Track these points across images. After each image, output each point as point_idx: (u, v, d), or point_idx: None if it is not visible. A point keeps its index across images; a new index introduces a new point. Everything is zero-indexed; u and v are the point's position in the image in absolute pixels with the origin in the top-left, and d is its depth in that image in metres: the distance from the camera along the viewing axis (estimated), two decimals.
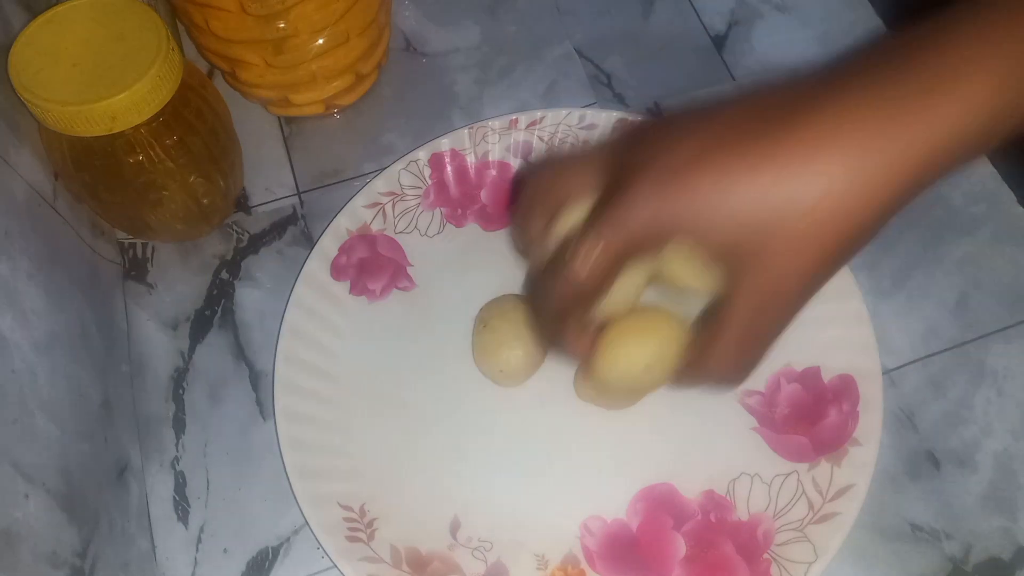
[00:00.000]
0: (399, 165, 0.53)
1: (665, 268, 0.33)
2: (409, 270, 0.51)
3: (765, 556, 0.42)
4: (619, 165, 0.31)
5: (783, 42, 0.60)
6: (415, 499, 0.45)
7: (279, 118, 0.58)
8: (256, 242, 0.53)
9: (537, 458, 0.46)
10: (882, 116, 0.27)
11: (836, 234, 0.28)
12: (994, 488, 0.45)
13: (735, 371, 0.32)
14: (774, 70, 0.32)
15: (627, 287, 0.34)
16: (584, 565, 0.43)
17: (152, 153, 0.44)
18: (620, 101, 0.58)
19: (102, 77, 0.41)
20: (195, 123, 0.46)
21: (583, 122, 0.54)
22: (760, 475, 0.45)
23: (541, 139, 0.54)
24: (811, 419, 0.45)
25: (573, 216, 0.34)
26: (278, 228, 0.54)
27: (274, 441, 0.45)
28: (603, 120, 0.53)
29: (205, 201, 0.49)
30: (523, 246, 0.36)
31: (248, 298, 0.52)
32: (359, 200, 0.52)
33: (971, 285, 0.51)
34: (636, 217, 0.29)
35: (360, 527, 0.43)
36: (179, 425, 0.48)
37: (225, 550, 0.45)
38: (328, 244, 0.50)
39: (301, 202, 0.55)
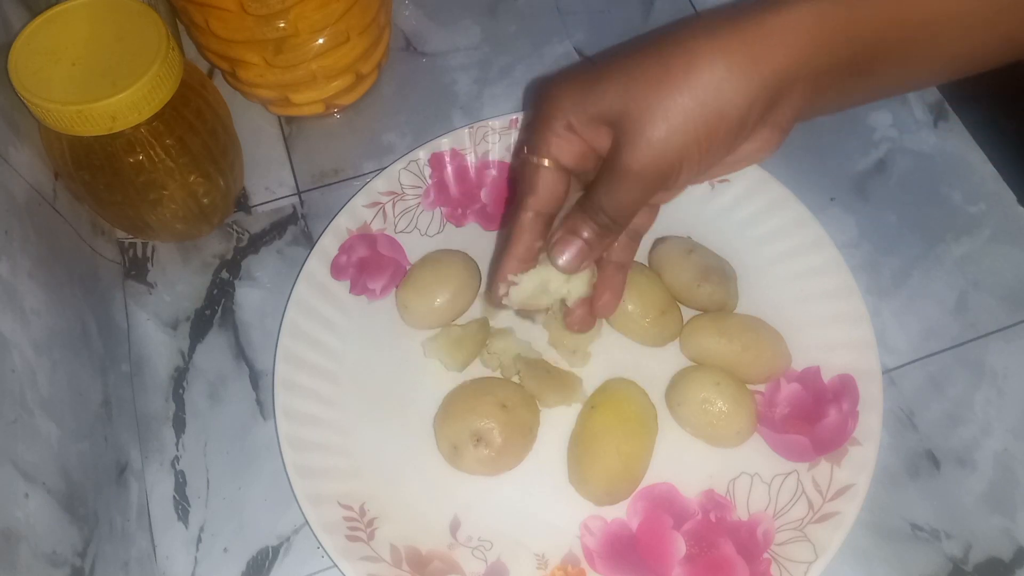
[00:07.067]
0: (399, 165, 0.53)
1: None
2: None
3: (765, 556, 0.42)
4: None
5: None
6: (415, 498, 0.45)
7: (279, 118, 0.58)
8: (256, 242, 0.53)
9: (537, 457, 0.46)
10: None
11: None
12: (994, 488, 0.45)
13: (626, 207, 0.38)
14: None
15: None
16: (584, 565, 0.43)
17: (152, 153, 0.44)
18: None
19: (102, 77, 0.41)
20: (195, 123, 0.46)
21: None
22: (760, 475, 0.45)
23: None
24: (811, 419, 0.45)
25: None
26: (278, 228, 0.54)
27: (274, 441, 0.45)
28: None
29: (205, 201, 0.49)
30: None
31: (248, 298, 0.52)
32: (359, 200, 0.52)
33: (971, 285, 0.51)
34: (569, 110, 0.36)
35: (360, 526, 0.43)
36: (179, 424, 0.48)
37: (225, 549, 0.45)
38: (328, 244, 0.50)
39: (301, 202, 0.55)
